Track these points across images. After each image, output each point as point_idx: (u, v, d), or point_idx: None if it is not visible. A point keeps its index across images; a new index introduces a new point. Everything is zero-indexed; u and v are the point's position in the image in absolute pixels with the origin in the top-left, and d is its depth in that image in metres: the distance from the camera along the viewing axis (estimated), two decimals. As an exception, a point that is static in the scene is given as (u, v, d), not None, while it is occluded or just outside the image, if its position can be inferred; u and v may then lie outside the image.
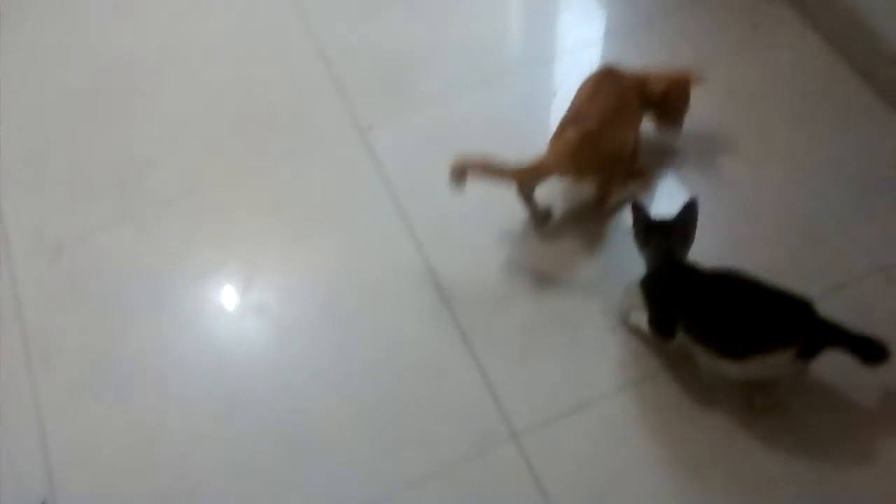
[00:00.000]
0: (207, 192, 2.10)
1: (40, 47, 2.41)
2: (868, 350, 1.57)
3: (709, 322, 1.62)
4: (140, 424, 1.77)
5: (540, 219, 1.97)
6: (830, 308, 1.61)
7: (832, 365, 1.62)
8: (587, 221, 1.97)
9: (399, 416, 1.75)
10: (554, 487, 1.64)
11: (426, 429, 1.73)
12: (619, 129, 1.87)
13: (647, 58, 2.20)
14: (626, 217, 1.78)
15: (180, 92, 2.30)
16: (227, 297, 1.96)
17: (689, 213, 1.72)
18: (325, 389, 1.79)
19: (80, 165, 2.16)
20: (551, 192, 1.93)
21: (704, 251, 1.72)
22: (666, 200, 1.99)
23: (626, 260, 1.85)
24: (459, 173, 1.73)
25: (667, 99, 1.94)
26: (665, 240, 1.69)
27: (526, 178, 1.85)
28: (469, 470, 1.67)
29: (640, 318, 1.76)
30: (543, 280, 1.91)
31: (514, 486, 1.65)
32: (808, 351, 1.57)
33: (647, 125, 2.00)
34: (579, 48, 2.32)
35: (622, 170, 1.93)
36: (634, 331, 1.79)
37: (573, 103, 1.89)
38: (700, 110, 1.97)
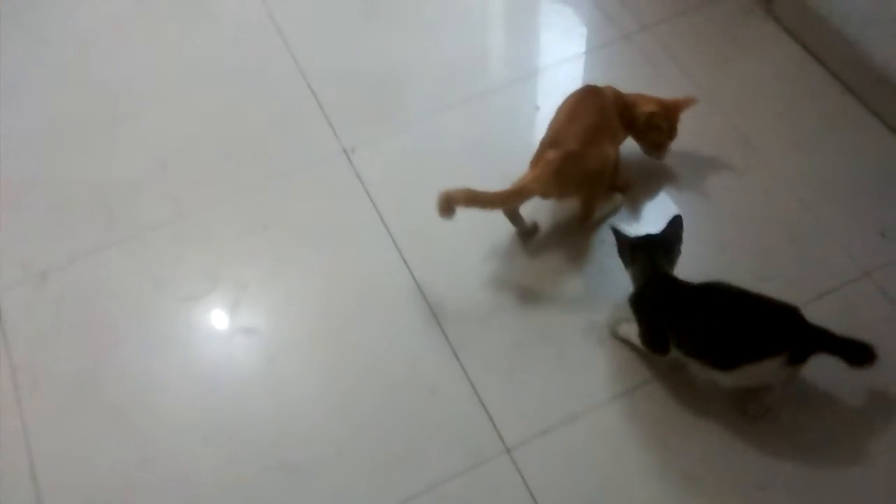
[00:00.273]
0: (194, 215, 2.09)
1: (25, 74, 2.41)
2: (855, 353, 1.58)
3: (698, 334, 1.63)
4: (130, 449, 1.76)
5: (526, 234, 1.98)
6: (818, 313, 1.62)
7: (821, 370, 1.63)
8: (573, 236, 1.98)
9: (391, 434, 1.74)
10: (547, 499, 1.64)
11: (418, 445, 1.72)
12: (600, 148, 1.87)
13: (628, 72, 2.23)
14: (611, 232, 1.79)
15: (165, 116, 2.30)
16: (216, 319, 1.95)
17: (673, 229, 1.73)
18: (316, 409, 1.79)
19: (65, 191, 2.16)
20: (537, 207, 1.94)
21: (691, 259, 1.73)
22: (652, 212, 2.01)
23: (611, 273, 1.86)
24: (447, 207, 1.74)
25: (650, 126, 1.96)
26: (650, 256, 1.71)
27: (509, 203, 1.86)
28: (462, 485, 1.67)
29: (629, 330, 1.76)
30: (531, 294, 1.91)
31: (508, 501, 1.65)
32: (798, 357, 1.58)
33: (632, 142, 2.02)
34: (561, 64, 2.34)
35: (605, 185, 1.94)
36: (624, 341, 1.80)
37: (552, 124, 1.91)
38: (683, 121, 1.98)
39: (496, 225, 1.96)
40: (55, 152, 2.25)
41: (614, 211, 2.00)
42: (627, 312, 1.74)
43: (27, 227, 2.10)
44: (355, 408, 1.78)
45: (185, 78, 2.38)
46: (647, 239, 1.74)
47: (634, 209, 2.02)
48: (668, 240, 1.73)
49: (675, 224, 1.73)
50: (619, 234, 1.76)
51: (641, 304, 1.71)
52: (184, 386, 1.84)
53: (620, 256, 1.76)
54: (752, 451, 1.66)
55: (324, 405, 1.79)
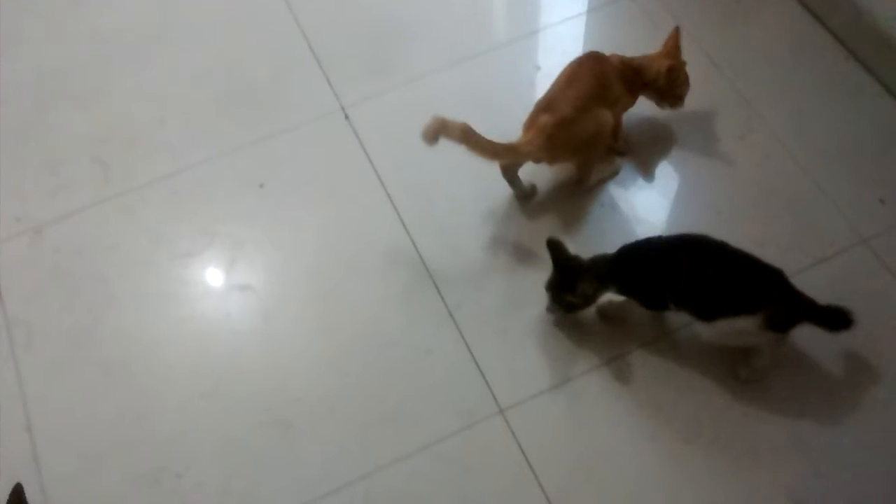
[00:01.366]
0: (190, 171, 2.08)
1: (18, 26, 2.37)
2: (835, 319, 1.59)
3: (684, 283, 1.62)
4: (125, 404, 1.77)
5: (524, 196, 1.97)
6: (815, 279, 1.62)
7: (812, 336, 1.64)
8: (571, 198, 1.97)
9: (384, 393, 1.75)
10: (541, 461, 1.65)
11: (412, 405, 1.73)
12: (595, 114, 1.85)
13: (630, 32, 2.20)
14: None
15: (162, 71, 2.27)
16: (212, 276, 1.95)
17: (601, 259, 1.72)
18: (310, 367, 1.79)
19: (59, 145, 2.14)
20: (535, 169, 1.93)
21: (689, 222, 1.73)
22: (651, 174, 2.00)
23: (608, 234, 1.86)
24: (435, 135, 1.70)
25: (671, 80, 1.93)
26: (592, 274, 1.70)
27: (500, 158, 1.84)
28: (456, 445, 1.68)
29: (619, 305, 1.76)
30: (528, 256, 1.91)
31: (501, 461, 1.66)
32: (780, 322, 1.59)
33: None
34: (563, 22, 2.31)
35: (601, 151, 1.92)
36: (614, 319, 1.79)
37: (550, 89, 1.88)
38: (684, 85, 1.96)
39: (494, 187, 1.95)
40: (49, 106, 2.22)
41: (612, 174, 1.99)
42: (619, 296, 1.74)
43: (21, 181, 2.08)
44: (350, 366, 1.78)
45: (181, 31, 2.35)
46: (585, 264, 1.71)
47: (634, 172, 2.00)
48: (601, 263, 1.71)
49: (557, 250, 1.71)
50: (556, 251, 1.71)
51: (626, 282, 1.70)
52: (179, 342, 1.84)
53: (553, 284, 1.74)
54: (743, 416, 1.68)
55: (318, 363, 1.80)
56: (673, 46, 1.95)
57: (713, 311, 1.60)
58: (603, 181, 1.98)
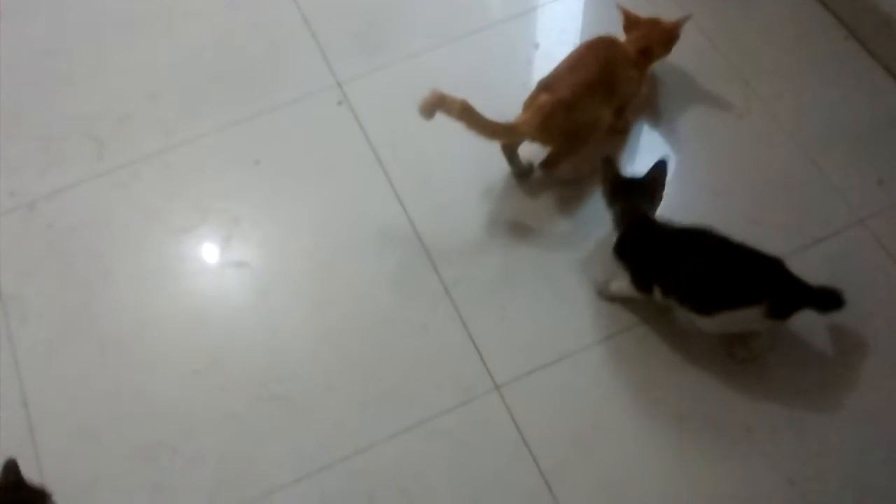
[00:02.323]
0: (184, 147, 2.06)
1: (9, 3, 2.34)
2: (828, 301, 1.60)
3: (681, 278, 1.63)
4: (121, 380, 1.76)
5: (522, 174, 1.96)
6: (811, 259, 1.62)
7: (809, 316, 1.63)
8: (568, 183, 1.95)
9: (381, 369, 1.75)
10: (536, 437, 1.65)
11: (408, 381, 1.73)
12: (595, 103, 1.84)
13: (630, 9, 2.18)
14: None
15: (155, 46, 2.25)
16: (207, 252, 1.94)
17: (657, 173, 1.71)
18: (307, 343, 1.79)
19: (52, 122, 2.12)
20: (534, 147, 1.92)
21: (685, 202, 1.73)
22: (646, 152, 1.99)
23: (606, 214, 1.84)
24: (432, 109, 1.69)
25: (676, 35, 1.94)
26: (630, 200, 1.70)
27: (496, 137, 1.83)
28: (452, 422, 1.68)
29: (620, 285, 1.75)
30: (525, 233, 1.91)
31: (497, 437, 1.66)
32: (780, 309, 1.59)
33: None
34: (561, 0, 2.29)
35: (586, 145, 1.89)
36: (613, 299, 1.79)
37: (555, 69, 1.87)
38: (684, 62, 1.95)
39: (492, 164, 1.94)
40: (42, 82, 2.19)
41: (576, 180, 1.95)
42: (613, 264, 1.73)
43: (14, 157, 2.06)
44: (346, 343, 1.78)
45: (176, 7, 2.32)
46: (630, 182, 1.72)
47: (631, 151, 2.00)
48: (651, 185, 1.71)
49: (660, 170, 1.71)
50: (609, 167, 1.73)
51: (625, 249, 1.71)
52: (175, 318, 1.84)
53: (603, 194, 1.75)
54: (739, 394, 1.68)
55: (314, 339, 1.79)
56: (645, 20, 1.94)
57: (714, 305, 1.60)
58: (572, 182, 1.95)
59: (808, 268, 1.61)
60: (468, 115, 1.72)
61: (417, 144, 1.97)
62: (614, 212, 1.73)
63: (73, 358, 1.79)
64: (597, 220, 1.87)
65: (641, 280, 1.70)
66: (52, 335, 1.82)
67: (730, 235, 1.62)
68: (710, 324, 1.62)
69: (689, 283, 1.61)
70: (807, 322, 1.69)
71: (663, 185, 1.72)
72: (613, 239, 1.72)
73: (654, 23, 1.93)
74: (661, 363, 1.72)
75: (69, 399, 1.74)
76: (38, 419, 1.72)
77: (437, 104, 1.69)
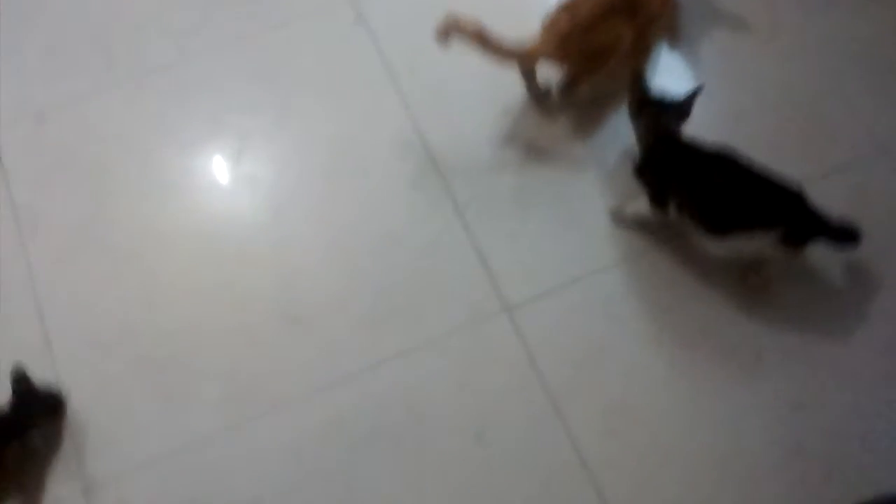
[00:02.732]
0: (197, 60, 2.02)
1: None
2: (845, 236, 1.58)
3: (698, 195, 1.60)
4: (133, 293, 1.77)
5: (539, 96, 1.92)
6: (830, 186, 1.59)
7: (821, 247, 1.61)
8: (587, 99, 1.92)
9: (391, 288, 1.75)
10: (544, 359, 1.66)
11: (418, 301, 1.73)
12: (615, 24, 1.79)
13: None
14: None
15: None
16: (219, 167, 1.92)
17: (690, 99, 1.67)
18: (318, 261, 1.79)
19: (63, 32, 2.08)
20: (553, 68, 1.87)
21: (706, 124, 1.69)
22: (669, 74, 1.94)
23: (623, 139, 1.81)
24: (447, 32, 1.66)
25: None
26: (659, 117, 1.66)
27: (511, 59, 1.78)
28: (461, 342, 1.69)
29: (636, 207, 1.73)
30: (541, 155, 1.88)
31: (505, 359, 1.67)
32: (795, 237, 1.57)
33: None
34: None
35: (607, 66, 1.84)
36: (628, 223, 1.77)
37: None
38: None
39: (509, 84, 1.90)
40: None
41: (595, 101, 1.90)
42: (631, 191, 1.71)
43: (24, 67, 2.03)
44: (357, 261, 1.78)
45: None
46: (660, 101, 1.68)
47: (649, 70, 1.95)
48: (682, 108, 1.68)
49: (694, 95, 1.67)
50: (636, 83, 1.70)
51: (647, 163, 1.68)
52: (186, 233, 1.84)
53: (629, 106, 1.71)
54: (750, 321, 1.68)
55: (326, 258, 1.79)
56: None
57: (728, 226, 1.58)
58: (591, 103, 1.90)
59: (827, 195, 1.58)
60: (483, 40, 1.69)
61: (433, 64, 1.92)
62: (639, 126, 1.69)
63: (85, 270, 1.80)
64: (613, 144, 1.85)
65: (659, 196, 1.67)
66: (64, 247, 1.82)
67: (752, 160, 1.59)
68: (722, 246, 1.61)
69: (705, 200, 1.59)
70: (823, 252, 1.67)
71: (690, 111, 1.68)
72: (635, 155, 1.69)
73: None
74: (673, 288, 1.71)
75: (83, 311, 1.76)
76: (53, 330, 1.73)
77: (451, 28, 1.65)
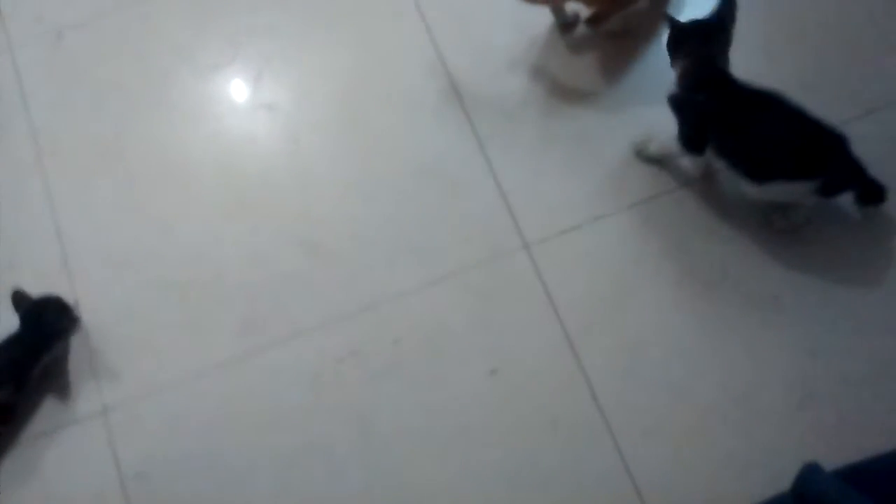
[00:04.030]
0: (215, -20, 1.98)
1: None
2: (872, 193, 1.57)
3: (741, 141, 1.56)
4: (152, 217, 1.77)
5: (566, 25, 1.87)
6: (862, 130, 1.56)
7: (850, 195, 1.60)
8: (615, 36, 1.86)
9: (411, 221, 1.74)
10: (561, 296, 1.66)
11: (438, 235, 1.72)
12: None
13: None
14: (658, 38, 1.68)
15: None
16: (237, 92, 1.90)
17: (725, 10, 1.58)
18: (338, 191, 1.77)
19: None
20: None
21: (740, 66, 1.64)
22: (698, 9, 1.88)
23: (648, 79, 1.77)
24: None
25: None
26: (703, 49, 1.57)
27: None
28: (480, 277, 1.68)
29: (661, 144, 1.69)
30: (566, 92, 1.84)
31: (524, 295, 1.67)
32: (832, 188, 1.54)
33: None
34: None
35: (632, 3, 1.80)
36: (652, 160, 1.74)
37: None
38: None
39: (536, 15, 1.84)
40: None
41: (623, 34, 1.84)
42: (655, 130, 1.67)
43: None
44: (378, 193, 1.76)
45: None
46: (700, 25, 1.58)
47: (682, 13, 1.88)
48: (722, 23, 1.57)
49: (728, 5, 1.57)
50: (672, 22, 1.61)
51: (685, 103, 1.61)
52: (205, 158, 1.82)
53: (668, 48, 1.62)
54: (770, 263, 1.66)
55: (346, 188, 1.77)
56: None
57: (769, 174, 1.54)
58: (619, 36, 1.85)
59: (857, 138, 1.54)
60: None
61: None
62: (682, 65, 1.59)
63: (103, 192, 1.79)
64: (639, 80, 1.81)
65: (694, 138, 1.62)
66: (82, 168, 1.82)
67: (799, 105, 1.54)
68: (759, 191, 1.58)
69: (749, 147, 1.55)
70: (848, 199, 1.64)
71: (733, 22, 1.58)
72: (672, 90, 1.61)
73: None
74: (694, 229, 1.70)
75: (101, 232, 1.76)
76: (72, 251, 1.74)
77: None
